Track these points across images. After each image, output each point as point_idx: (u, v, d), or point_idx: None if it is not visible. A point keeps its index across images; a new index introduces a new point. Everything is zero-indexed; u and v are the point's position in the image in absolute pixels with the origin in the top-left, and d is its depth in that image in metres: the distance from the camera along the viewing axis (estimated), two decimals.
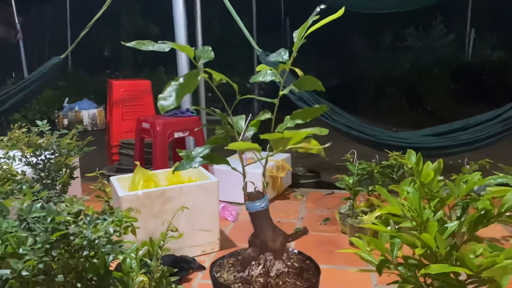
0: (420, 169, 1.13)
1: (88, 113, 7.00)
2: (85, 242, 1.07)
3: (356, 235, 1.25)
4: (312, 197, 3.01)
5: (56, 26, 10.16)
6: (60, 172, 2.01)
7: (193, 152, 1.28)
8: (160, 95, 1.10)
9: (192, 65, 1.64)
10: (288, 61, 1.25)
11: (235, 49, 8.18)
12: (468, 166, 2.27)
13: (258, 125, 1.37)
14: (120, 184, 2.05)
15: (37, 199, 1.20)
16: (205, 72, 1.16)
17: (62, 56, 3.77)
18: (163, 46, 1.14)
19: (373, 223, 1.05)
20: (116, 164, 3.74)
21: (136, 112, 3.93)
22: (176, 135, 2.99)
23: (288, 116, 1.28)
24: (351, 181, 2.27)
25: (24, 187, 1.54)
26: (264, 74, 1.31)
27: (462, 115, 3.25)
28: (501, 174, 1.10)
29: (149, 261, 1.27)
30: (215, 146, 1.30)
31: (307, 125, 1.18)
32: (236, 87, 1.22)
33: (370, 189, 2.25)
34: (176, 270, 1.39)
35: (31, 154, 1.96)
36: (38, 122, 2.02)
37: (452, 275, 0.96)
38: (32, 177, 1.93)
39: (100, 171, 1.82)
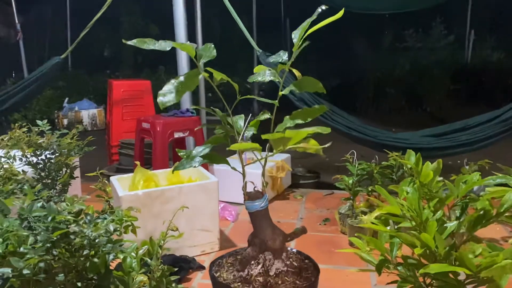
0: (419, 169, 1.14)
1: (88, 113, 7.00)
2: (85, 241, 1.08)
3: (355, 235, 1.26)
4: (312, 198, 3.01)
5: (56, 26, 10.17)
6: (61, 172, 2.02)
7: (193, 152, 1.29)
8: (160, 91, 1.10)
9: (192, 65, 1.65)
10: (288, 61, 1.25)
11: (235, 49, 8.17)
12: (467, 167, 2.27)
13: (258, 125, 1.37)
14: (120, 184, 2.06)
15: (38, 199, 1.20)
16: (206, 71, 1.17)
17: (62, 56, 3.76)
18: (165, 45, 1.14)
19: (373, 223, 1.06)
20: (116, 164, 3.74)
21: (136, 112, 3.93)
22: (176, 135, 2.99)
23: (287, 116, 1.29)
24: (350, 181, 2.28)
25: (25, 186, 1.55)
26: (263, 74, 1.31)
27: (462, 116, 3.25)
28: (500, 175, 1.11)
29: (149, 260, 1.27)
30: (215, 146, 1.31)
31: (307, 126, 1.18)
32: (237, 87, 1.22)
33: (369, 189, 2.25)
34: (176, 269, 1.40)
35: (32, 153, 1.97)
36: (39, 122, 2.02)
37: (451, 275, 0.97)
38: (32, 176, 1.94)
39: (100, 171, 1.82)
